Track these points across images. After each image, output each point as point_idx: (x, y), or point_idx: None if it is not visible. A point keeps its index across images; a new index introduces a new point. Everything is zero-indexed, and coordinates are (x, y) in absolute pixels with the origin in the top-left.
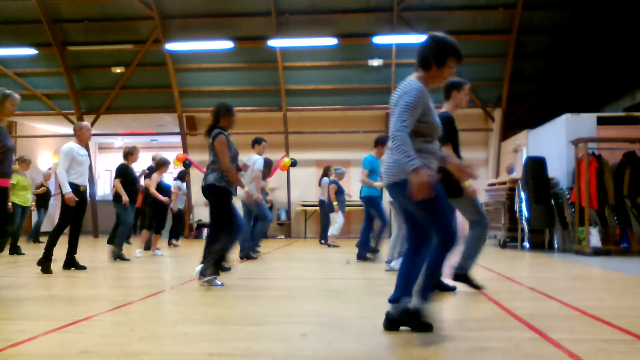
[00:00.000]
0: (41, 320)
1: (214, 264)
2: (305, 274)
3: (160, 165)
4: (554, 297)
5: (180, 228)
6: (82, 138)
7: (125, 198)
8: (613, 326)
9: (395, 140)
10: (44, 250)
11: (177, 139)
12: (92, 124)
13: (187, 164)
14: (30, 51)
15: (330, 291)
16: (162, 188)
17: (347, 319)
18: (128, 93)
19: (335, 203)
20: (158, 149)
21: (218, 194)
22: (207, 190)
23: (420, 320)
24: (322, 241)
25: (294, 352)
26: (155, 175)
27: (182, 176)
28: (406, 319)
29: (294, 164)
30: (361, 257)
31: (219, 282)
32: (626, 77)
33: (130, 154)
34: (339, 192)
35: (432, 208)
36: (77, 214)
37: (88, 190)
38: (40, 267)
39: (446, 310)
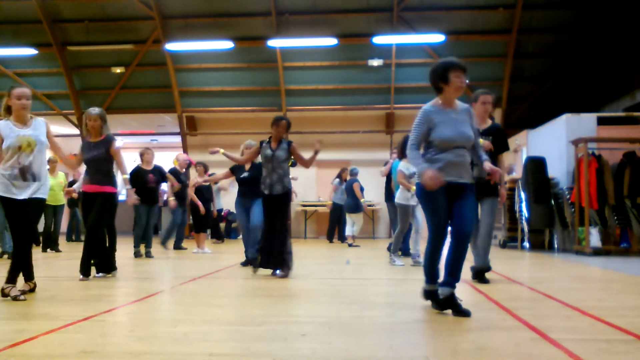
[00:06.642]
0: (41, 320)
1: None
2: (305, 274)
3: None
4: (554, 297)
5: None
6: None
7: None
8: (613, 326)
9: None
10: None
11: (177, 139)
12: None
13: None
14: (30, 51)
15: (330, 291)
16: (200, 189)
17: (347, 319)
18: (128, 93)
19: (363, 200)
20: (158, 149)
21: (290, 199)
22: (287, 196)
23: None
24: (346, 241)
25: (294, 352)
26: (194, 179)
27: None
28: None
29: (293, 164)
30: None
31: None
32: (626, 77)
33: (142, 154)
34: (361, 190)
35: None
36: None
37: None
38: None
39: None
